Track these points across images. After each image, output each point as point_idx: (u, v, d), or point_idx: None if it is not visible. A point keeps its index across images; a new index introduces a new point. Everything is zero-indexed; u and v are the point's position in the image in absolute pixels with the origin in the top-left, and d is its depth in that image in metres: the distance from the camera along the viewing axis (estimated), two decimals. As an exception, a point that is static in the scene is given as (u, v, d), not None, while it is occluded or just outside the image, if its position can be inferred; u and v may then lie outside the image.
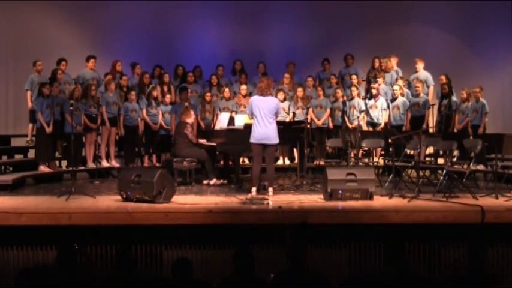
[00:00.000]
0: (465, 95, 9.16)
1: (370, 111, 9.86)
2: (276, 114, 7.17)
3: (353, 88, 9.96)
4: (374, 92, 9.92)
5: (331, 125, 10.06)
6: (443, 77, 9.62)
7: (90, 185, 8.52)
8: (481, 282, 4.14)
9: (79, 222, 5.86)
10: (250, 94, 9.56)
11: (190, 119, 8.63)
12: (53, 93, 8.81)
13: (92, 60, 9.78)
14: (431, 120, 9.98)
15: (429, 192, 7.04)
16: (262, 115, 7.04)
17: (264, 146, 7.11)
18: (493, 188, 7.04)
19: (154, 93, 9.64)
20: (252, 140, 7.09)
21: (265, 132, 7.03)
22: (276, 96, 9.83)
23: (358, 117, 9.81)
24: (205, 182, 8.47)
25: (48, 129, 8.59)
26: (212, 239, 5.97)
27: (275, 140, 7.11)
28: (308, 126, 8.61)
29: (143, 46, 11.40)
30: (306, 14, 11.88)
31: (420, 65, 10.13)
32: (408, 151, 8.65)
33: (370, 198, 6.69)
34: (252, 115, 7.16)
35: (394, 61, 10.52)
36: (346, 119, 9.96)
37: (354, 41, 11.44)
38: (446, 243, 6.06)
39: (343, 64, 10.86)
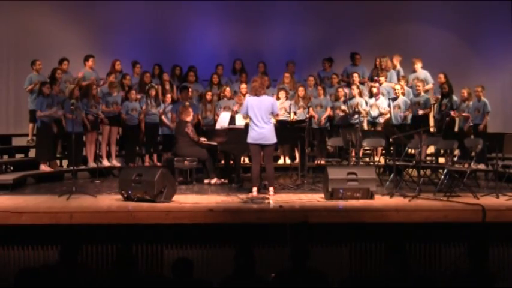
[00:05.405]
0: (466, 94, 9.14)
1: (371, 110, 9.84)
2: (273, 112, 7.15)
3: (353, 87, 9.96)
4: (374, 91, 9.92)
5: (335, 113, 10.00)
6: (441, 76, 9.61)
7: (91, 184, 8.52)
8: (482, 282, 4.14)
9: (80, 222, 5.87)
10: (250, 93, 9.56)
11: (190, 117, 8.63)
12: (54, 92, 8.81)
13: (91, 60, 9.79)
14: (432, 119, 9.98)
15: (430, 191, 7.05)
16: (257, 115, 7.02)
17: (262, 146, 7.11)
18: (494, 187, 7.04)
19: (152, 93, 9.64)
20: (249, 140, 7.09)
21: (261, 132, 7.02)
22: (277, 95, 9.86)
23: (358, 116, 9.79)
24: (206, 181, 8.47)
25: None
26: (213, 238, 5.98)
27: (272, 139, 7.10)
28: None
29: (143, 45, 11.40)
30: (306, 13, 11.87)
31: (418, 65, 10.15)
32: (409, 150, 8.65)
33: (371, 197, 6.69)
34: (246, 116, 7.16)
35: (396, 60, 10.52)
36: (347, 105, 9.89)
37: (354, 40, 11.43)
38: (447, 242, 6.06)
39: (344, 64, 10.87)
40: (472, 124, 9.03)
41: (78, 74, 9.66)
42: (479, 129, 8.87)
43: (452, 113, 9.22)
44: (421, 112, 9.44)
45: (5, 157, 9.31)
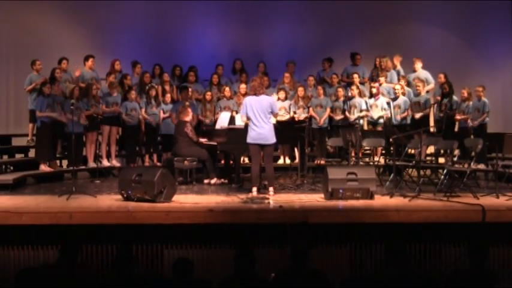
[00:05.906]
0: (466, 94, 9.13)
1: (371, 110, 9.83)
2: (272, 111, 7.14)
3: (353, 87, 9.96)
4: (374, 91, 9.92)
5: (336, 115, 9.99)
6: (441, 76, 9.62)
7: (91, 184, 8.52)
8: (482, 282, 4.14)
9: (80, 222, 5.86)
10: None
11: (189, 117, 8.63)
12: (54, 92, 8.80)
13: (91, 60, 9.80)
14: (432, 119, 9.98)
15: (430, 191, 7.05)
16: (256, 115, 7.02)
17: (261, 146, 7.10)
18: (494, 188, 7.04)
19: (153, 93, 9.65)
20: (249, 140, 7.09)
21: (261, 132, 7.02)
22: (278, 95, 9.86)
23: (359, 116, 9.80)
24: (206, 181, 8.47)
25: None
26: (213, 238, 5.98)
27: (272, 139, 7.10)
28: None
29: (144, 45, 11.41)
30: (306, 13, 11.88)
31: (418, 65, 10.16)
32: (409, 150, 8.65)
33: (371, 197, 6.69)
34: (246, 116, 7.14)
35: (396, 60, 10.52)
36: (348, 114, 9.87)
37: (354, 40, 11.43)
38: (447, 242, 6.07)
39: (344, 64, 10.87)
40: (472, 124, 9.03)
41: (75, 72, 9.66)
42: (474, 125, 8.88)
43: (457, 116, 9.20)
44: (417, 116, 9.43)
45: (5, 157, 9.31)
